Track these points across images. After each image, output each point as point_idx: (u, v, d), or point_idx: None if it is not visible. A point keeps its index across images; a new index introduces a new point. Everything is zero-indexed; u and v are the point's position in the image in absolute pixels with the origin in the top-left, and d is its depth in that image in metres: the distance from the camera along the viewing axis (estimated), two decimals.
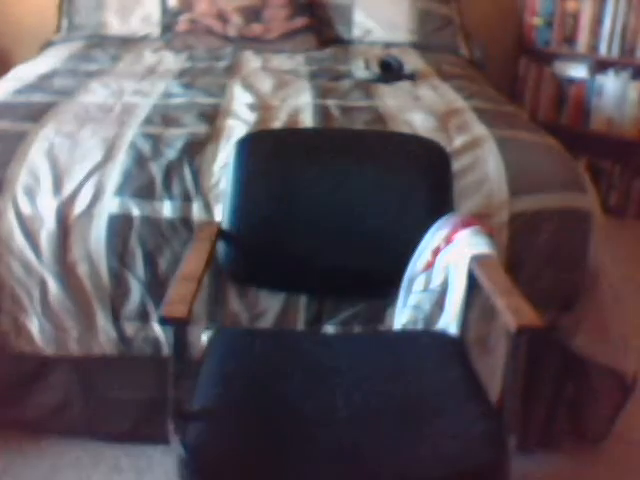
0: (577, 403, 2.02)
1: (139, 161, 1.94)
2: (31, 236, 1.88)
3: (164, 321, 1.37)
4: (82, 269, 1.88)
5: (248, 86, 2.54)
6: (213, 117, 2.19)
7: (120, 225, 1.87)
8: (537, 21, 3.73)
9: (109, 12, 3.34)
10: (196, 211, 1.89)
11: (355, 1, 3.38)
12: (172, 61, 2.93)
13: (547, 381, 1.97)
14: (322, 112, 2.26)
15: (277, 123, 2.18)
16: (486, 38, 3.57)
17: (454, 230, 1.64)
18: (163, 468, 1.95)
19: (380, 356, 1.60)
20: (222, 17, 3.22)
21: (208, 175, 1.93)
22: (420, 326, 1.70)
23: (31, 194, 1.90)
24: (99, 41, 3.22)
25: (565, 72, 3.69)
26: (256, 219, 1.72)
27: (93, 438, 2.02)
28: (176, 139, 2.02)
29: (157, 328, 1.91)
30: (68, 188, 1.90)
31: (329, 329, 1.92)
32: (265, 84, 2.57)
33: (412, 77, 2.72)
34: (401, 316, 1.72)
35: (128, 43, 3.20)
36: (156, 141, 2.01)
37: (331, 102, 2.37)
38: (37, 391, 1.98)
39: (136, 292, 1.89)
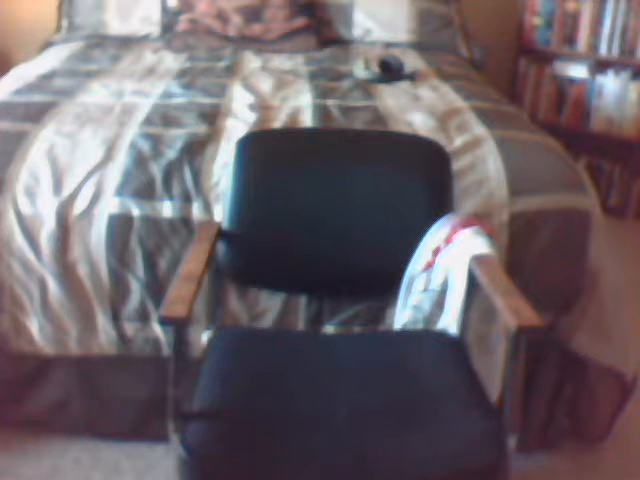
0: (577, 403, 2.02)
1: (139, 161, 1.95)
2: (31, 236, 1.88)
3: (164, 321, 1.38)
4: (82, 269, 1.88)
5: (248, 86, 2.54)
6: (213, 117, 2.19)
7: (120, 225, 1.87)
8: (537, 21, 3.73)
9: (109, 12, 3.34)
10: (196, 211, 1.89)
11: (355, 1, 3.38)
12: (172, 61, 2.93)
13: (547, 381, 1.97)
14: (322, 112, 2.27)
15: (277, 123, 2.18)
16: (486, 38, 3.57)
17: (454, 230, 1.64)
18: (163, 468, 1.95)
19: (380, 356, 1.60)
20: (222, 17, 3.22)
21: (208, 175, 1.93)
22: (420, 326, 1.70)
23: (31, 194, 1.90)
24: (99, 41, 3.22)
25: (565, 72, 3.69)
26: (256, 219, 1.72)
27: (93, 438, 2.02)
28: (176, 139, 2.02)
29: (157, 328, 1.91)
30: (68, 188, 1.90)
31: (329, 329, 1.92)
32: (265, 84, 2.58)
33: (412, 77, 2.72)
34: (401, 316, 1.72)
35: (128, 43, 3.20)
36: (156, 141, 2.01)
37: (331, 102, 2.37)
38: (37, 391, 1.98)
39: (136, 292, 1.89)
